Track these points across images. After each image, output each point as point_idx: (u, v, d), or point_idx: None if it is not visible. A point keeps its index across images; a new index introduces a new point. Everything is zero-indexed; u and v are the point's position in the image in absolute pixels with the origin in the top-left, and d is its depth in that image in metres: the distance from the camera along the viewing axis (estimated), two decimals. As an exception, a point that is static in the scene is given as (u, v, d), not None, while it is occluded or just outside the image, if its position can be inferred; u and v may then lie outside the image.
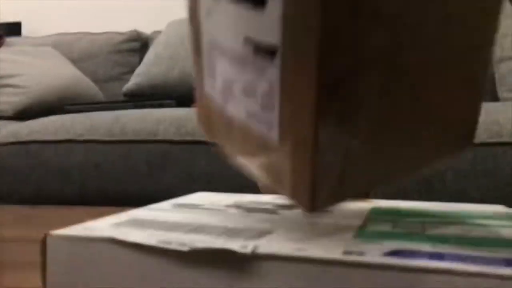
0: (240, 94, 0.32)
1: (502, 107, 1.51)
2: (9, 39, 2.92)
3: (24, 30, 3.98)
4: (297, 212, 0.40)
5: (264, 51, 0.29)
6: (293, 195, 0.29)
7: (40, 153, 1.82)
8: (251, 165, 0.34)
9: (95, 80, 2.76)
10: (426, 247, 0.28)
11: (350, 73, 0.27)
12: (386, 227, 0.34)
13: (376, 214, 0.39)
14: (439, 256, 0.26)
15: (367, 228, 0.34)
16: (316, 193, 0.28)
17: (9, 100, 2.34)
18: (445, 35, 0.31)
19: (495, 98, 2.10)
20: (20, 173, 1.83)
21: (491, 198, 1.43)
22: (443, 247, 0.28)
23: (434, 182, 1.47)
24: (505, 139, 1.43)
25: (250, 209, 0.41)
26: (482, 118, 1.48)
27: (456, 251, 0.27)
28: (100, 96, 2.69)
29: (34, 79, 2.40)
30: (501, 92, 2.03)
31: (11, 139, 1.86)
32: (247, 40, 0.30)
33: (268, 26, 0.28)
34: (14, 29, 3.84)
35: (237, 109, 0.33)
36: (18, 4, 4.02)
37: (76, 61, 2.80)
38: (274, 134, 0.30)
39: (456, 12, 0.31)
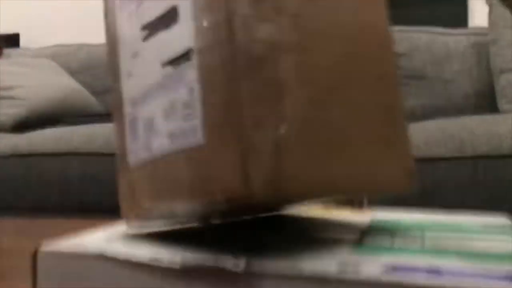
0: (162, 122, 0.32)
1: (503, 119, 1.51)
2: (7, 51, 2.92)
3: (22, 42, 4.00)
4: (294, 223, 0.40)
5: (180, 58, 0.30)
6: (228, 189, 0.28)
7: (39, 165, 1.82)
8: (180, 200, 0.33)
9: (93, 92, 2.75)
10: (425, 262, 0.27)
11: (266, 56, 0.29)
12: (384, 241, 0.33)
13: (375, 227, 0.39)
14: (438, 272, 0.26)
15: (365, 242, 0.33)
16: (250, 177, 0.27)
17: (8, 112, 2.34)
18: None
19: (495, 109, 2.10)
20: (19, 185, 1.83)
21: (491, 210, 1.43)
22: (443, 262, 0.27)
23: (434, 194, 1.47)
24: (506, 151, 1.42)
25: (246, 220, 0.41)
26: (483, 130, 1.48)
27: (456, 266, 0.27)
28: (98, 107, 2.68)
29: (32, 90, 2.40)
30: (502, 104, 2.03)
31: (10, 152, 1.86)
32: (164, 62, 0.32)
33: (182, 35, 0.30)
34: (12, 40, 3.85)
35: (161, 141, 0.33)
36: (16, 16, 4.03)
37: (74, 73, 2.80)
38: (199, 137, 0.29)
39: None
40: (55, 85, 2.49)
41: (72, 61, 2.87)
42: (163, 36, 0.32)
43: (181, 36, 0.30)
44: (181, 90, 0.30)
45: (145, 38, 0.33)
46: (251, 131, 0.28)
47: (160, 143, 0.32)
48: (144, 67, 0.34)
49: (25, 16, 3.99)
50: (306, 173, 0.29)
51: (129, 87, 0.36)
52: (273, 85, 0.29)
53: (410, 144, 0.35)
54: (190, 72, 0.30)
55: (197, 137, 0.29)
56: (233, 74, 0.28)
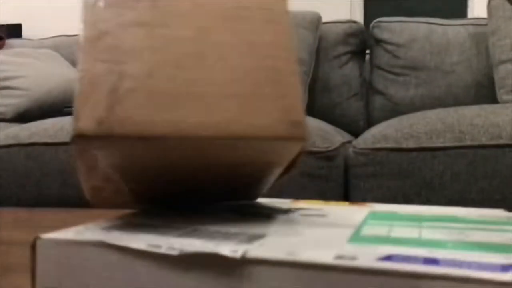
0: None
1: (501, 109, 1.51)
2: (10, 41, 2.92)
3: (24, 32, 3.99)
4: (293, 216, 0.40)
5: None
6: (72, 131, 0.33)
7: (40, 155, 1.82)
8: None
9: (95, 82, 2.75)
10: (421, 252, 0.28)
11: (111, 31, 0.35)
12: (381, 232, 0.33)
13: (373, 218, 0.39)
14: (434, 261, 0.26)
15: (362, 232, 0.33)
16: (82, 118, 0.33)
17: (9, 102, 2.34)
18: None
19: (494, 100, 2.10)
20: (20, 176, 1.83)
21: (490, 200, 1.43)
22: (439, 252, 0.28)
23: (434, 184, 1.47)
24: (504, 141, 1.42)
25: (245, 213, 0.41)
26: (482, 120, 1.48)
27: (452, 256, 0.27)
28: (99, 98, 2.68)
29: (34, 81, 2.40)
30: (500, 94, 2.03)
31: (11, 142, 1.86)
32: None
33: None
34: (14, 31, 3.84)
35: None
36: (18, 6, 4.02)
37: (76, 63, 2.80)
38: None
39: None
40: (57, 75, 2.49)
41: (74, 51, 2.87)
42: None
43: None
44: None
45: None
46: (90, 85, 0.33)
47: None
48: None
49: (27, 6, 3.98)
50: (142, 116, 0.33)
51: None
52: (117, 51, 0.34)
53: (299, 100, 0.37)
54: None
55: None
56: (86, 45, 0.35)
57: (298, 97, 0.37)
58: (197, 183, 0.40)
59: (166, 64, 0.35)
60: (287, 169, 0.43)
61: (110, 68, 0.34)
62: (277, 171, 0.40)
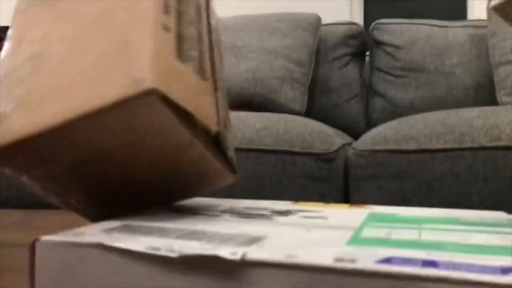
0: None
1: (501, 111, 1.50)
2: (8, 43, 2.92)
3: (23, 34, 3.98)
4: (293, 218, 0.40)
5: None
6: None
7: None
8: None
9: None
10: (421, 255, 0.28)
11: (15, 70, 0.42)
12: (381, 234, 0.33)
13: (372, 221, 0.39)
14: (433, 264, 0.26)
15: (362, 234, 0.33)
16: None
17: (8, 103, 2.34)
18: None
19: (494, 101, 2.10)
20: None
21: (490, 202, 1.43)
22: (438, 255, 0.28)
23: (434, 186, 1.47)
24: (505, 143, 1.42)
25: (245, 215, 0.41)
26: (481, 121, 1.48)
27: (452, 259, 0.27)
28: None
29: (33, 82, 2.40)
30: (500, 96, 2.03)
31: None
32: None
33: None
34: (13, 32, 3.84)
35: None
36: (17, 8, 4.02)
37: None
38: None
39: None
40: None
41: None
42: None
43: None
44: None
45: None
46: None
47: None
48: None
49: (25, 8, 3.98)
50: (15, 124, 0.38)
51: None
52: (10, 85, 0.41)
53: (146, 61, 0.38)
54: None
55: None
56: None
57: (145, 59, 0.38)
58: (131, 183, 0.43)
59: (41, 78, 0.40)
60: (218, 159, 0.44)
61: (3, 98, 0.40)
62: (184, 148, 0.41)
